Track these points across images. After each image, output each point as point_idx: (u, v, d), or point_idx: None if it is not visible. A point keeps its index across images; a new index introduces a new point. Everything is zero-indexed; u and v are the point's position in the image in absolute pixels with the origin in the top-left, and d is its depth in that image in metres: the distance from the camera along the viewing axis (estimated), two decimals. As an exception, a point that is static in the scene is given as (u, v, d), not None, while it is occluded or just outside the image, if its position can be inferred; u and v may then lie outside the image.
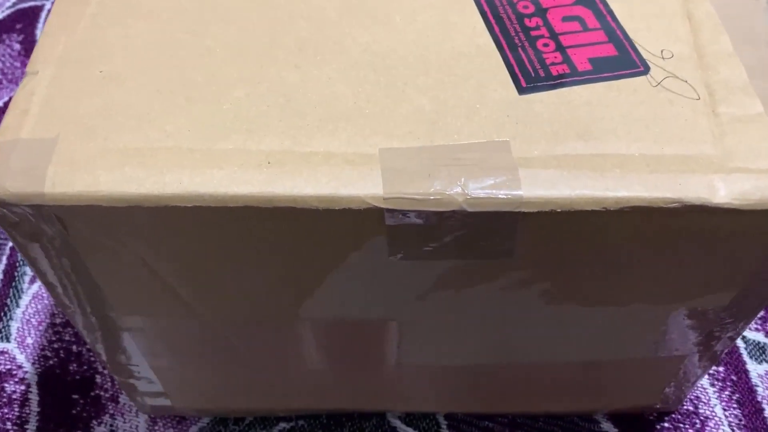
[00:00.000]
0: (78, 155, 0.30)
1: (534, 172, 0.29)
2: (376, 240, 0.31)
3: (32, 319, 0.53)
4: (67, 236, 0.31)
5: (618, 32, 0.35)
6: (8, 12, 0.75)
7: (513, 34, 0.35)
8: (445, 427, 0.48)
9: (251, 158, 0.30)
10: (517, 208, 0.29)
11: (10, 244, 0.57)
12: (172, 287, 0.34)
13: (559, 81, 0.33)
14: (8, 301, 0.54)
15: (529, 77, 0.33)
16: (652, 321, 0.38)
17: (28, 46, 0.73)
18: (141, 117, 0.31)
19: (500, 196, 0.29)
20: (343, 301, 0.36)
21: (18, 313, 0.53)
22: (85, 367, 0.51)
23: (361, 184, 0.29)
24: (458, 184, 0.29)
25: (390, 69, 0.33)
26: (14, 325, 0.53)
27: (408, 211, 0.29)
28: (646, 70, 0.33)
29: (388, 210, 0.29)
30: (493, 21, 0.35)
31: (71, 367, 0.51)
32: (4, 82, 0.69)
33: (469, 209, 0.29)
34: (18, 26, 0.74)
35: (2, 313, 0.53)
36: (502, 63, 0.34)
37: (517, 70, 0.33)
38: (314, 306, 0.36)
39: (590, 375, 0.44)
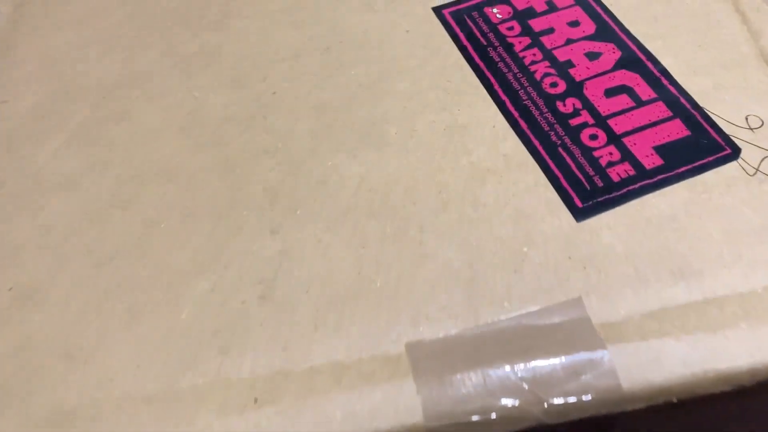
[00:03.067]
0: (-9, 433, 0.21)
1: (627, 348, 0.21)
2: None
3: None
4: None
5: (682, 100, 0.27)
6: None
7: (547, 128, 0.26)
8: None
9: (231, 396, 0.21)
10: (617, 407, 0.20)
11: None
12: None
13: (625, 190, 0.24)
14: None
15: (585, 192, 0.24)
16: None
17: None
18: (72, 356, 0.22)
19: (589, 398, 0.20)
20: None
21: None
22: None
23: (390, 413, 0.20)
24: (529, 391, 0.20)
25: (395, 210, 0.25)
26: None
27: (463, 433, 0.21)
28: (734, 151, 0.25)
29: (436, 438, 0.21)
30: (516, 113, 0.27)
31: None
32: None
33: (550, 421, 0.20)
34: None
35: None
36: (542, 175, 0.25)
37: (565, 184, 0.25)
38: None
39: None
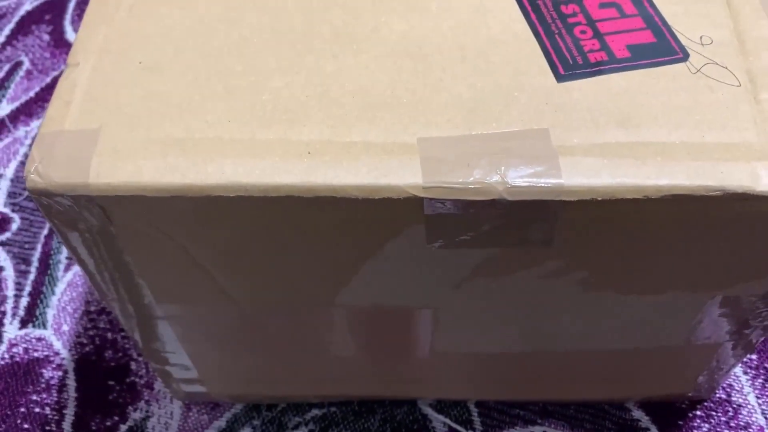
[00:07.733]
0: (121, 146, 0.30)
1: (575, 160, 0.29)
2: (414, 228, 0.31)
3: (67, 307, 0.54)
4: (110, 225, 0.31)
5: (656, 18, 0.35)
6: (37, 3, 0.76)
7: (550, 21, 0.35)
8: (476, 414, 0.49)
9: (292, 148, 0.30)
10: (558, 196, 0.29)
11: (45, 232, 0.58)
12: (211, 275, 0.35)
13: (597, 68, 0.33)
14: (44, 288, 0.55)
15: (567, 64, 0.33)
16: (687, 309, 0.38)
17: (57, 37, 0.73)
18: (181, 107, 0.31)
19: (540, 184, 0.29)
20: (379, 289, 0.36)
21: (53, 300, 0.54)
22: (120, 354, 0.51)
23: (401, 174, 0.29)
24: (498, 173, 0.29)
25: (427, 57, 0.33)
26: (50, 312, 0.54)
27: (447, 200, 0.29)
28: (685, 56, 0.33)
29: (428, 199, 0.29)
30: (529, 8, 0.35)
31: (106, 354, 0.51)
32: (35, 72, 0.70)
33: (509, 198, 0.29)
34: (47, 17, 0.75)
35: (38, 300, 0.54)
36: (540, 50, 0.33)
37: (554, 57, 0.33)
38: (350, 293, 0.36)
39: (623, 363, 0.44)
